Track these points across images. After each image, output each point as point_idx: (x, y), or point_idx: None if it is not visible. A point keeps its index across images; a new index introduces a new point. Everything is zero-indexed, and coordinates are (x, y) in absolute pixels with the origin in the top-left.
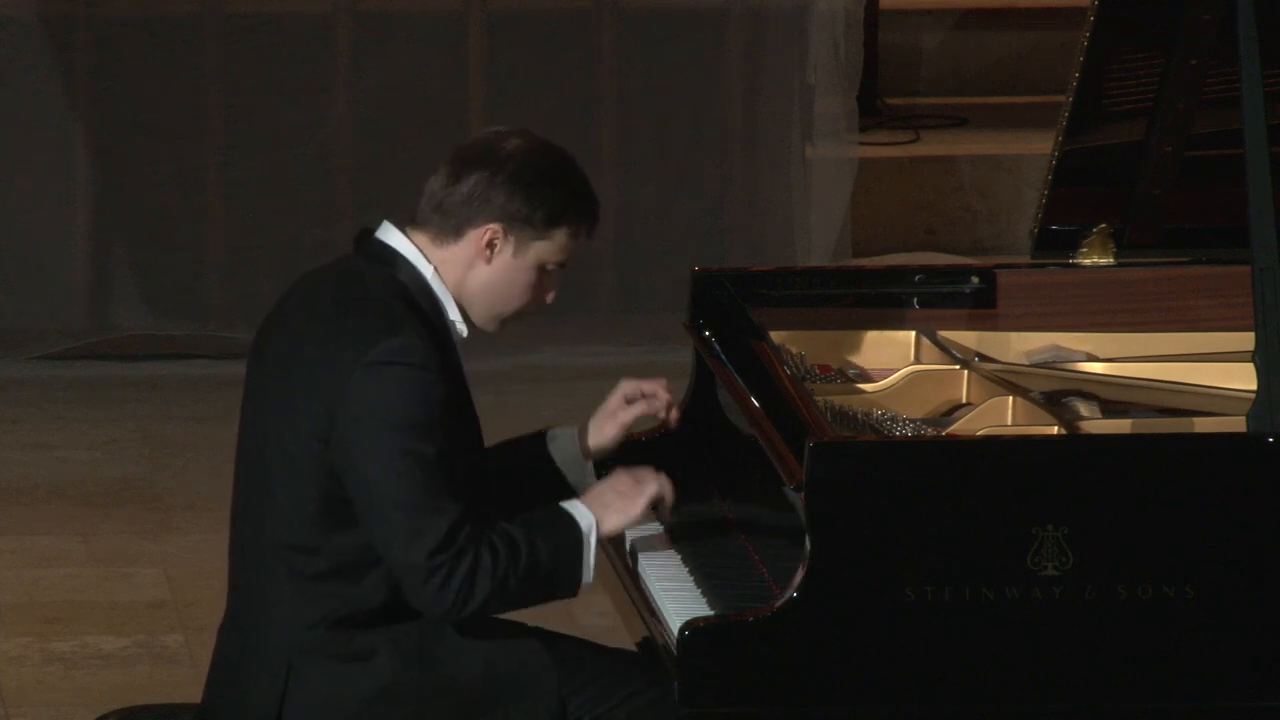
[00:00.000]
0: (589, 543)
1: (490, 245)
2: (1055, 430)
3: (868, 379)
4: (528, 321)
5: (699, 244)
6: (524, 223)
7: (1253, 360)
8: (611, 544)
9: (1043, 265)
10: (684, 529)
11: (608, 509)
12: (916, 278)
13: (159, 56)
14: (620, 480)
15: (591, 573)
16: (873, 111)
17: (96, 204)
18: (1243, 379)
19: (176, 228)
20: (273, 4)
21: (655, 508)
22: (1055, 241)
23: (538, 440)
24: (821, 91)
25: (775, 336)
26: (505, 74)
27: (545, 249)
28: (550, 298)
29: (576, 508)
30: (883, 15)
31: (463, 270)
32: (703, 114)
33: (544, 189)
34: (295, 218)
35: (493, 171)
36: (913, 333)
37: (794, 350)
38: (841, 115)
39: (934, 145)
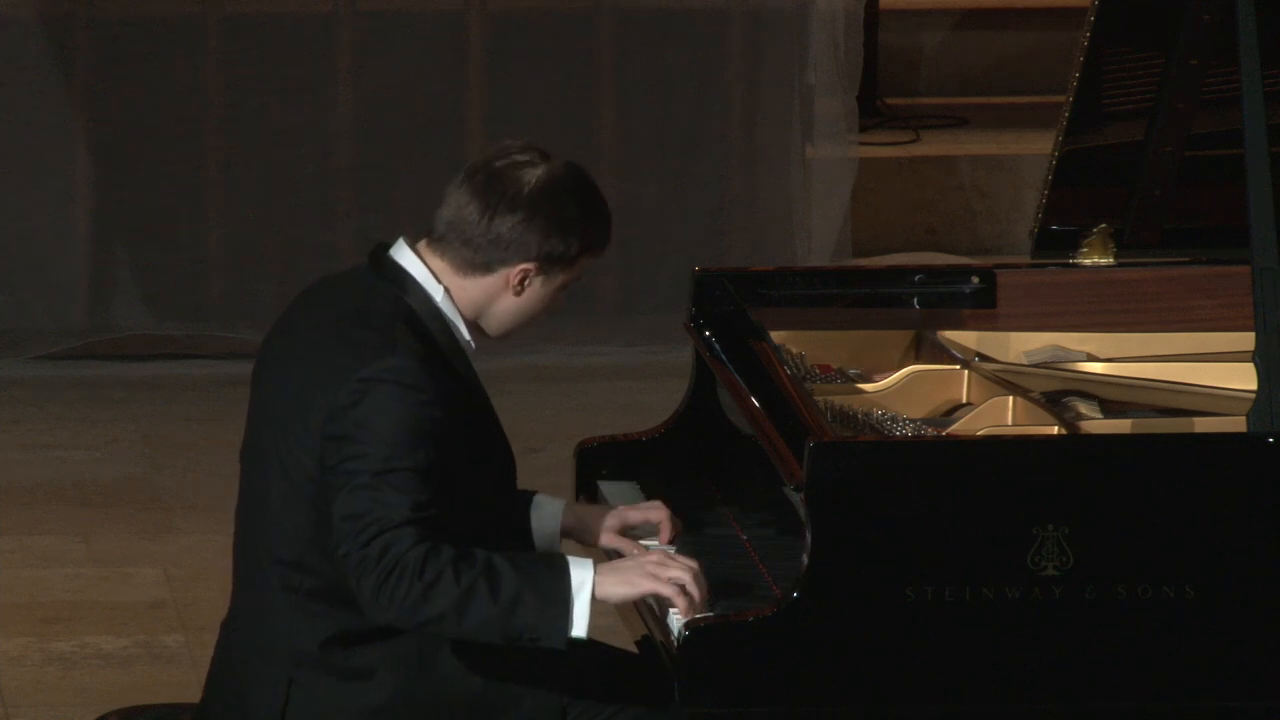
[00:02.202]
0: (580, 597)
1: (522, 281)
2: (1055, 430)
3: (868, 379)
4: None
5: (699, 244)
6: (558, 260)
7: (1253, 360)
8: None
9: (1043, 265)
10: (684, 529)
11: (615, 572)
12: (916, 278)
13: (159, 56)
14: (653, 555)
15: (582, 628)
16: (873, 111)
17: (96, 204)
18: (1243, 379)
19: (176, 228)
20: (273, 4)
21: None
22: (1055, 241)
23: (522, 499)
24: (821, 91)
25: (775, 336)
26: (505, 74)
27: (571, 274)
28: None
29: (580, 561)
30: (883, 15)
31: (486, 299)
32: (703, 114)
33: (576, 227)
34: (295, 218)
35: (528, 216)
36: (913, 333)
37: (794, 350)
38: (841, 115)
39: (934, 145)
